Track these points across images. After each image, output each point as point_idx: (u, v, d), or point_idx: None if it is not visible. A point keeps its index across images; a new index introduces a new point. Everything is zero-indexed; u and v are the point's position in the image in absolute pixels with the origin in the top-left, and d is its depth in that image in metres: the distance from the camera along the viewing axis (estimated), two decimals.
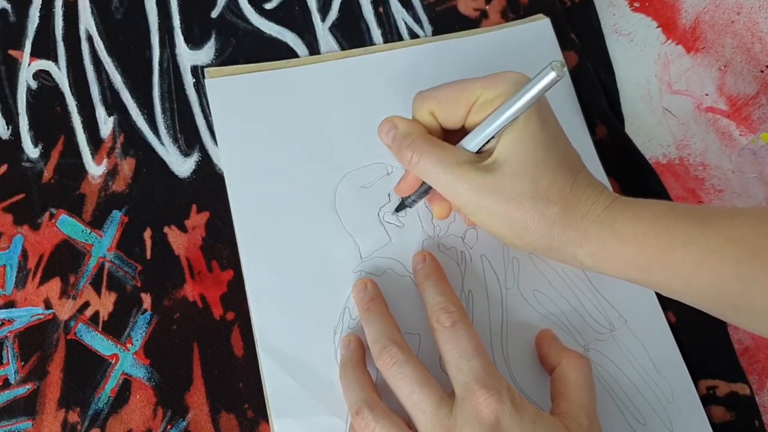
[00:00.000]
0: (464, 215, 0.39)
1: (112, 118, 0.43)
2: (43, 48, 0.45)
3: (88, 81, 0.44)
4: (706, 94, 0.48)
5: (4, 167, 0.42)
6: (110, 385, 0.37)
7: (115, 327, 0.39)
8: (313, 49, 0.46)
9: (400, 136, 0.36)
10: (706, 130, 0.47)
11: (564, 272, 0.41)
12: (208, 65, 0.45)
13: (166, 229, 0.41)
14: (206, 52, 0.46)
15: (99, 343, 0.38)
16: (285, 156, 0.42)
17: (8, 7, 0.46)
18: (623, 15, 0.51)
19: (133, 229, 0.41)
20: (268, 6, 0.48)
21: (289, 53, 0.46)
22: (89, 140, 0.43)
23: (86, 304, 0.39)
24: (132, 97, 0.44)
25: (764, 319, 0.30)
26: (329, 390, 0.37)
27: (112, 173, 0.42)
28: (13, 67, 0.44)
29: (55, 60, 0.45)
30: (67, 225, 0.41)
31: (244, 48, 0.46)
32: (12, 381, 0.37)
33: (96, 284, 0.39)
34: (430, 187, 0.38)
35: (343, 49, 0.46)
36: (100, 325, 0.39)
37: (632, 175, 0.45)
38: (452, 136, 0.37)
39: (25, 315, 0.39)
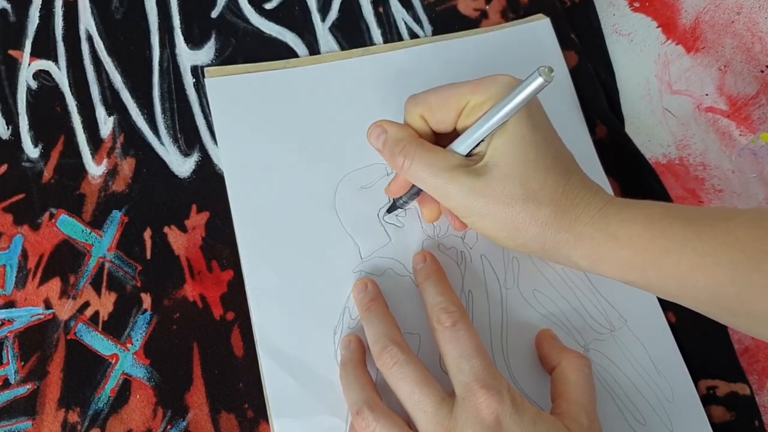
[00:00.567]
0: (452, 219, 0.39)
1: (112, 118, 0.43)
2: (43, 48, 0.45)
3: (88, 81, 0.44)
4: (706, 94, 0.48)
5: (4, 167, 0.42)
6: (110, 385, 0.37)
7: (115, 327, 0.39)
8: (313, 49, 0.46)
9: (391, 141, 0.36)
10: (706, 130, 0.47)
11: (564, 272, 0.41)
12: (208, 65, 0.45)
13: (166, 229, 0.41)
14: (206, 52, 0.46)
15: (99, 343, 0.38)
16: (285, 156, 0.42)
17: (8, 7, 0.46)
18: (623, 15, 0.51)
19: (133, 229, 0.41)
20: (268, 6, 0.48)
21: (289, 53, 0.46)
22: (89, 140, 0.43)
23: (86, 304, 0.39)
24: (132, 97, 0.44)
25: (760, 322, 0.30)
26: (329, 390, 0.37)
27: (112, 173, 0.42)
28: (13, 67, 0.44)
29: (55, 60, 0.45)
30: (67, 225, 0.41)
31: (244, 48, 0.46)
32: (12, 381, 0.37)
33: (96, 284, 0.39)
34: (420, 189, 0.38)
35: (343, 49, 0.46)
36: (100, 325, 0.39)
37: (632, 175, 0.45)
38: (444, 139, 0.36)
39: (25, 315, 0.39)
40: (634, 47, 0.50)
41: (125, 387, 0.37)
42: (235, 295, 0.39)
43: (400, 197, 0.39)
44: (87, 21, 0.46)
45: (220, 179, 0.42)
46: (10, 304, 0.39)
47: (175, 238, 0.41)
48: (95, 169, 0.42)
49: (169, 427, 0.37)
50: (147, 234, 0.41)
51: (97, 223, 0.41)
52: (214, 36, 0.46)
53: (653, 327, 0.40)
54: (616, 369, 0.39)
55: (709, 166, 0.46)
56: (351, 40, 0.47)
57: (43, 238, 0.40)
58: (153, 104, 0.44)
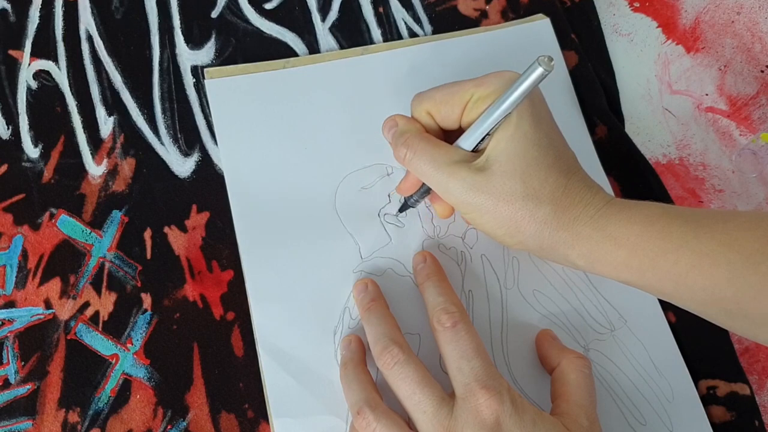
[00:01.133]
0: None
1: (112, 118, 0.43)
2: (43, 48, 0.45)
3: (88, 81, 0.44)
4: (706, 94, 0.48)
5: (4, 167, 0.42)
6: (110, 385, 0.37)
7: (115, 327, 0.39)
8: (313, 49, 0.46)
9: (397, 133, 0.37)
10: (706, 130, 0.47)
11: (564, 272, 0.41)
12: (208, 65, 0.45)
13: (166, 229, 0.41)
14: (206, 52, 0.46)
15: (99, 343, 0.38)
16: (285, 156, 0.42)
17: (8, 7, 0.46)
18: (623, 15, 0.51)
19: (133, 229, 0.41)
20: (268, 6, 0.48)
21: (289, 53, 0.46)
22: (89, 140, 0.43)
23: (86, 304, 0.39)
24: (132, 97, 0.44)
25: (756, 324, 0.30)
26: (329, 390, 0.37)
27: (112, 173, 0.42)
28: (13, 67, 0.44)
29: (55, 60, 0.45)
30: (67, 225, 0.41)
31: (244, 48, 0.46)
32: (12, 381, 0.37)
33: (96, 284, 0.39)
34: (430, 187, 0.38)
35: (342, 49, 0.46)
36: (100, 325, 0.39)
37: (632, 175, 0.45)
38: (451, 136, 0.37)
39: (25, 315, 0.39)
40: (634, 47, 0.50)
41: (125, 387, 0.37)
42: (235, 295, 0.39)
43: (411, 196, 0.39)
44: (87, 21, 0.46)
45: (220, 179, 0.42)
46: (10, 304, 0.39)
47: (175, 238, 0.41)
48: (95, 169, 0.42)
49: (169, 427, 0.37)
50: (147, 234, 0.41)
51: (97, 223, 0.41)
52: (214, 36, 0.46)
53: (653, 327, 0.40)
54: (616, 369, 0.39)
55: (709, 166, 0.46)
56: (351, 40, 0.47)
57: (43, 238, 0.40)
58: (153, 104, 0.44)
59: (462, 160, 0.34)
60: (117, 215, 0.41)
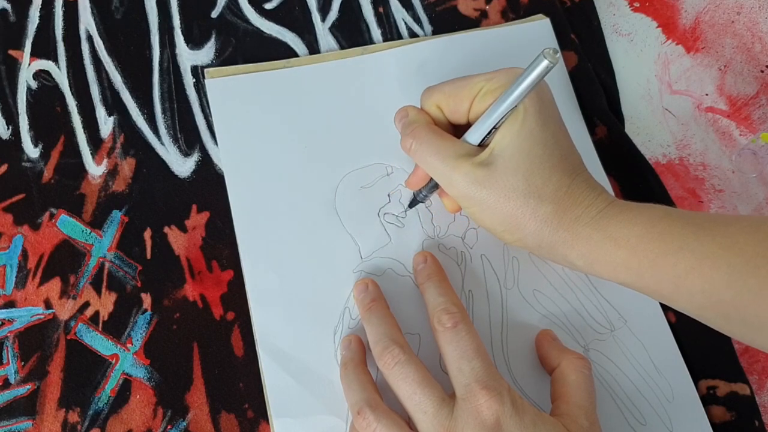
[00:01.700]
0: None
1: (112, 118, 0.43)
2: (43, 48, 0.45)
3: (88, 81, 0.44)
4: (706, 94, 0.48)
5: (4, 167, 0.42)
6: (110, 385, 0.37)
7: (115, 327, 0.39)
8: (313, 49, 0.46)
9: (406, 123, 0.37)
10: (706, 130, 0.47)
11: (564, 272, 0.41)
12: (208, 65, 0.45)
13: (166, 229, 0.41)
14: (206, 52, 0.46)
15: (99, 343, 0.38)
16: (285, 156, 0.42)
17: (8, 7, 0.46)
18: (623, 15, 0.51)
19: (133, 229, 0.41)
20: (268, 6, 0.48)
21: (289, 53, 0.46)
22: (89, 140, 0.43)
23: (86, 304, 0.39)
24: (132, 97, 0.44)
25: (755, 328, 0.30)
26: (329, 390, 0.37)
27: (112, 173, 0.42)
28: (13, 67, 0.44)
29: (55, 60, 0.45)
30: (67, 225, 0.41)
31: (244, 48, 0.46)
32: (12, 381, 0.37)
33: (96, 284, 0.39)
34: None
35: (343, 49, 0.46)
36: (100, 325, 0.39)
37: (632, 175, 0.44)
38: (459, 131, 0.37)
39: (25, 315, 0.39)
40: (634, 47, 0.50)
41: (125, 387, 0.37)
42: (235, 295, 0.39)
43: (420, 190, 0.39)
44: (87, 21, 0.46)
45: (220, 179, 0.42)
46: (10, 304, 0.39)
47: (175, 238, 0.41)
48: (95, 169, 0.42)
49: (169, 427, 0.37)
50: (147, 234, 0.41)
51: (97, 223, 0.41)
52: (214, 36, 0.46)
53: (653, 327, 0.40)
54: (616, 369, 0.39)
55: (709, 166, 0.46)
56: (351, 40, 0.47)
57: (43, 238, 0.40)
58: (153, 104, 0.44)
59: (467, 153, 0.34)
60: (117, 215, 0.41)
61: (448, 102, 0.36)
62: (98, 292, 0.39)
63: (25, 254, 0.40)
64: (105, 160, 0.42)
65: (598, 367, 0.39)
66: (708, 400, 0.39)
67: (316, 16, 0.48)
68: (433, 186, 0.39)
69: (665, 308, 0.41)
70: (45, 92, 0.44)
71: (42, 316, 0.39)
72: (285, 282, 0.39)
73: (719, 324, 0.31)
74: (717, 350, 0.40)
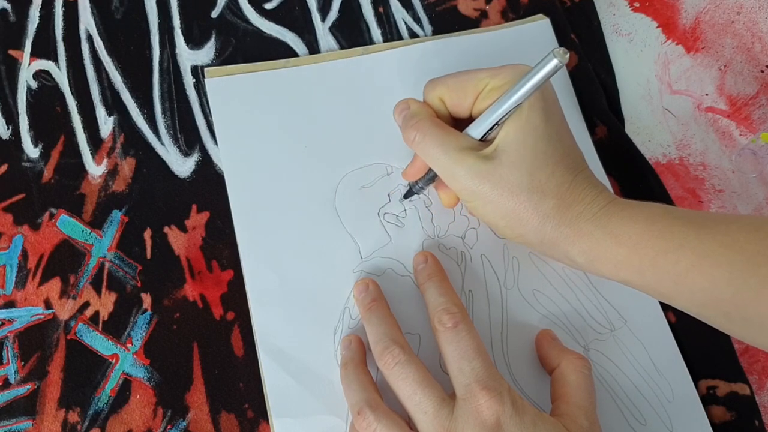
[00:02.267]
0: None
1: (112, 118, 0.43)
2: (43, 48, 0.45)
3: (88, 81, 0.44)
4: (706, 94, 0.48)
5: (4, 167, 0.42)
6: (110, 385, 0.37)
7: (115, 327, 0.39)
8: (313, 49, 0.46)
9: (408, 115, 0.37)
10: (706, 130, 0.47)
11: (564, 272, 0.41)
12: (208, 65, 0.45)
13: (166, 229, 0.41)
14: (206, 52, 0.46)
15: (99, 343, 0.38)
16: (285, 156, 0.42)
17: (8, 7, 0.46)
18: (623, 15, 0.51)
19: (133, 229, 0.41)
20: (268, 6, 0.48)
21: (289, 53, 0.46)
22: (89, 140, 0.43)
23: (86, 304, 0.39)
24: (132, 97, 0.44)
25: (755, 327, 0.30)
26: (329, 390, 0.37)
27: (112, 173, 0.42)
28: (13, 67, 0.44)
29: (55, 60, 0.45)
30: (67, 225, 0.41)
31: (244, 48, 0.46)
32: (12, 381, 0.37)
33: (96, 284, 0.39)
34: (436, 174, 0.38)
35: (343, 49, 0.46)
36: (100, 325, 0.39)
37: (632, 175, 0.45)
38: (460, 125, 0.37)
39: (25, 315, 0.39)
40: (634, 47, 0.50)
41: (125, 387, 0.37)
42: (235, 295, 0.39)
43: (417, 182, 0.39)
44: (87, 21, 0.46)
45: (220, 179, 0.42)
46: (10, 304, 0.39)
47: (175, 238, 0.41)
48: (95, 169, 0.42)
49: (169, 427, 0.37)
50: (147, 234, 0.41)
51: (97, 223, 0.41)
52: (214, 36, 0.46)
53: (653, 327, 0.40)
54: (616, 369, 0.39)
55: (709, 166, 0.46)
56: (351, 40, 0.47)
57: (43, 238, 0.40)
58: (153, 104, 0.44)
59: (470, 147, 0.34)
60: (117, 215, 0.41)
61: (451, 96, 0.36)
62: (98, 292, 0.39)
63: (25, 254, 0.40)
64: (105, 160, 0.42)
65: (598, 367, 0.39)
66: (708, 400, 0.39)
67: (316, 16, 0.48)
68: (430, 178, 0.39)
69: (665, 308, 0.41)
70: (45, 92, 0.44)
71: (42, 316, 0.39)
72: (285, 282, 0.39)
73: (719, 323, 0.31)
74: (717, 350, 0.40)
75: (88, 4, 0.46)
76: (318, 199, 0.41)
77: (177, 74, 0.45)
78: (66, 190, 0.41)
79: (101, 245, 0.40)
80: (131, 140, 0.43)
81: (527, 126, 0.33)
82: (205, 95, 0.44)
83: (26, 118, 0.43)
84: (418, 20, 0.48)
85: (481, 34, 0.47)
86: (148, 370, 0.38)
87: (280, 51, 0.46)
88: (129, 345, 0.38)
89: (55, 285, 0.39)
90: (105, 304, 0.39)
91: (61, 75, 0.44)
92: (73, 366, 0.38)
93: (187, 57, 0.45)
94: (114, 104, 0.44)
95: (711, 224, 0.30)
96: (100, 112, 0.44)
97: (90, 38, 0.46)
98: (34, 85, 0.44)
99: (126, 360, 0.38)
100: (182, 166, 0.43)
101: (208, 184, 0.42)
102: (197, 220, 0.41)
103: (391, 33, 0.47)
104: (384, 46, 0.46)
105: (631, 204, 0.33)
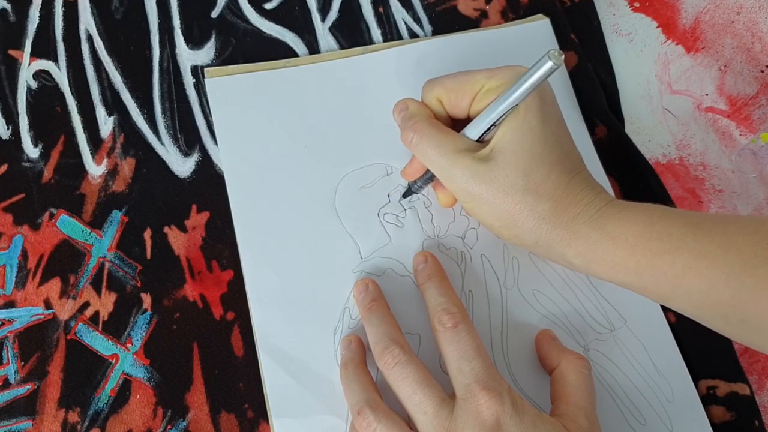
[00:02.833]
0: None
1: (112, 118, 0.43)
2: (43, 48, 0.45)
3: (88, 81, 0.44)
4: (706, 94, 0.48)
5: (4, 167, 0.42)
6: (110, 385, 0.37)
7: (115, 327, 0.39)
8: (313, 49, 0.46)
9: (407, 116, 0.37)
10: (706, 130, 0.47)
11: (564, 272, 0.41)
12: (208, 65, 0.45)
13: (166, 229, 0.41)
14: (206, 52, 0.46)
15: (99, 343, 0.38)
16: (285, 156, 0.42)
17: (8, 7, 0.46)
18: (623, 15, 0.51)
19: (133, 229, 0.41)
20: (268, 6, 0.48)
21: (289, 53, 0.46)
22: (89, 140, 0.43)
23: (86, 304, 0.39)
24: (132, 97, 0.44)
25: (752, 328, 0.30)
26: (329, 390, 0.37)
27: (112, 173, 0.42)
28: (13, 67, 0.44)
29: (55, 60, 0.45)
30: (67, 225, 0.41)
31: (244, 48, 0.46)
32: (12, 381, 0.37)
33: (96, 284, 0.39)
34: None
35: (343, 49, 0.46)
36: (100, 325, 0.39)
37: (632, 175, 0.44)
38: (459, 125, 0.37)
39: (25, 315, 0.39)
40: (634, 47, 0.50)
41: (125, 387, 0.37)
42: (235, 295, 0.39)
43: (415, 182, 0.40)
44: (87, 21, 0.46)
45: (220, 179, 0.42)
46: (10, 304, 0.39)
47: (175, 238, 0.41)
48: (95, 169, 0.42)
49: (169, 427, 0.37)
50: (147, 234, 0.41)
51: (97, 223, 0.41)
52: (214, 36, 0.46)
53: (653, 327, 0.40)
54: (616, 369, 0.39)
55: (709, 166, 0.46)
56: (351, 40, 0.47)
57: (43, 238, 0.40)
58: (153, 104, 0.44)
59: (467, 148, 0.35)
60: (117, 215, 0.41)
61: (449, 96, 0.36)
62: (98, 292, 0.39)
63: (25, 254, 0.40)
64: (105, 160, 0.42)
65: (598, 367, 0.39)
66: (708, 400, 0.39)
67: (316, 16, 0.48)
68: (428, 177, 0.39)
69: (665, 308, 0.41)
70: (45, 92, 0.44)
71: (42, 316, 0.39)
72: (285, 282, 0.39)
73: (717, 324, 0.31)
74: (717, 350, 0.40)
75: (88, 4, 0.46)
76: (318, 199, 0.41)
77: (177, 74, 0.45)
78: (66, 190, 0.41)
79: (101, 245, 0.40)
80: (131, 140, 0.43)
81: (523, 127, 0.33)
82: (205, 95, 0.44)
83: (26, 118, 0.43)
84: (418, 20, 0.48)
85: (481, 34, 0.47)
86: (148, 370, 0.38)
87: (280, 51, 0.46)
88: (129, 345, 0.38)
89: (55, 285, 0.39)
90: (105, 304, 0.39)
91: (61, 75, 0.44)
92: (73, 366, 0.38)
93: (187, 57, 0.45)
94: (114, 104, 0.44)
95: (708, 225, 0.30)
96: (100, 112, 0.44)
97: (90, 38, 0.46)
98: (34, 85, 0.44)
99: (126, 360, 0.38)
100: (182, 166, 0.43)
101: (208, 184, 0.42)
102: (197, 220, 0.41)
103: (391, 33, 0.47)
104: (384, 46, 0.46)
105: (629, 206, 0.33)
